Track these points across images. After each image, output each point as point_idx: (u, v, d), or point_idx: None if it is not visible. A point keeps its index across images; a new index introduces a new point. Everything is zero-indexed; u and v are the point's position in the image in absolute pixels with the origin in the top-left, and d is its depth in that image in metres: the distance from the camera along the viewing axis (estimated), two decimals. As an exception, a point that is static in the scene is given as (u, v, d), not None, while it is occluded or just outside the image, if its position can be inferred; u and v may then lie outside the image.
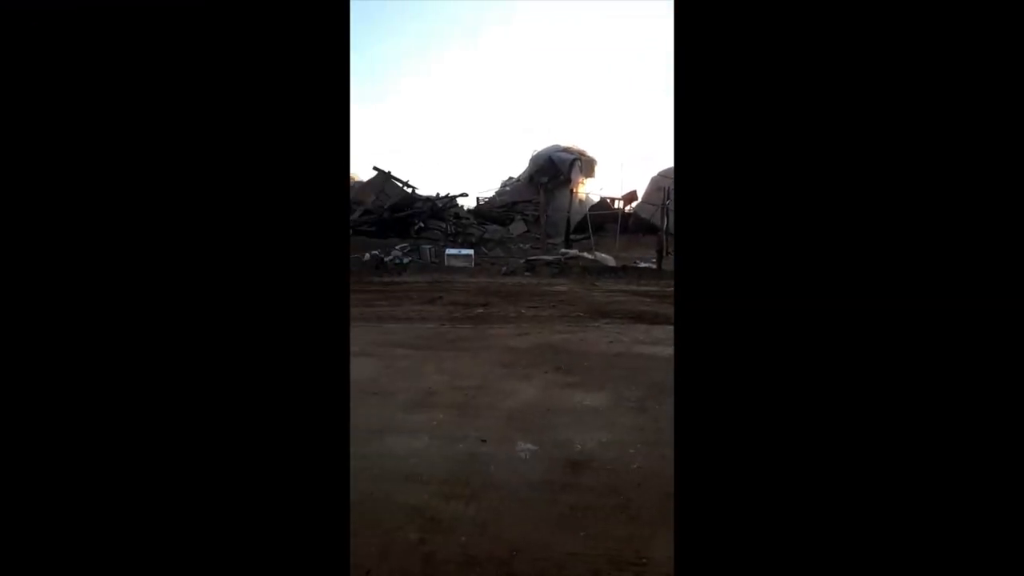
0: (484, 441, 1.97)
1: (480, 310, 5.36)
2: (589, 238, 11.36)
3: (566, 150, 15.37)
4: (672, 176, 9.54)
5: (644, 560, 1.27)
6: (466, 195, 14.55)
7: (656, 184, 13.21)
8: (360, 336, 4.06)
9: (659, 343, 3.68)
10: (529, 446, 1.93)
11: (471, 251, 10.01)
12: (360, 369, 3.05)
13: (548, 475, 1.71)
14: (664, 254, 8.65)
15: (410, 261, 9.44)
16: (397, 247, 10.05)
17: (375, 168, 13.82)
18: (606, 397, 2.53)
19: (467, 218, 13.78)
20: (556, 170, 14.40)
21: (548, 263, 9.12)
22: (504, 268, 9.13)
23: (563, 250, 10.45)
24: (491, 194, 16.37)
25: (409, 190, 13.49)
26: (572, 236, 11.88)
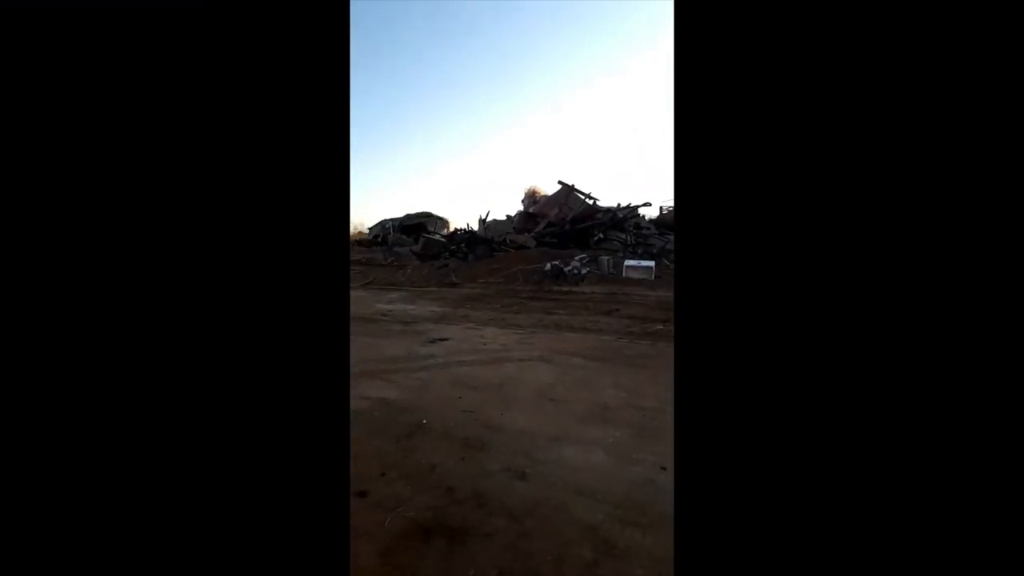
0: (664, 468, 1.83)
1: (660, 327, 5.07)
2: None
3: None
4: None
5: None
6: (648, 204, 14.03)
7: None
8: (540, 342, 4.26)
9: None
10: (717, 485, 1.72)
11: (651, 263, 9.57)
12: (538, 374, 3.19)
13: (741, 524, 1.48)
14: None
15: (588, 272, 9.54)
16: (576, 258, 10.27)
17: (559, 182, 14.44)
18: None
19: (648, 228, 13.25)
20: (756, 173, 12.69)
21: (742, 278, 8.08)
22: (688, 282, 8.44)
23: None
24: (676, 203, 15.40)
25: (591, 202, 13.68)
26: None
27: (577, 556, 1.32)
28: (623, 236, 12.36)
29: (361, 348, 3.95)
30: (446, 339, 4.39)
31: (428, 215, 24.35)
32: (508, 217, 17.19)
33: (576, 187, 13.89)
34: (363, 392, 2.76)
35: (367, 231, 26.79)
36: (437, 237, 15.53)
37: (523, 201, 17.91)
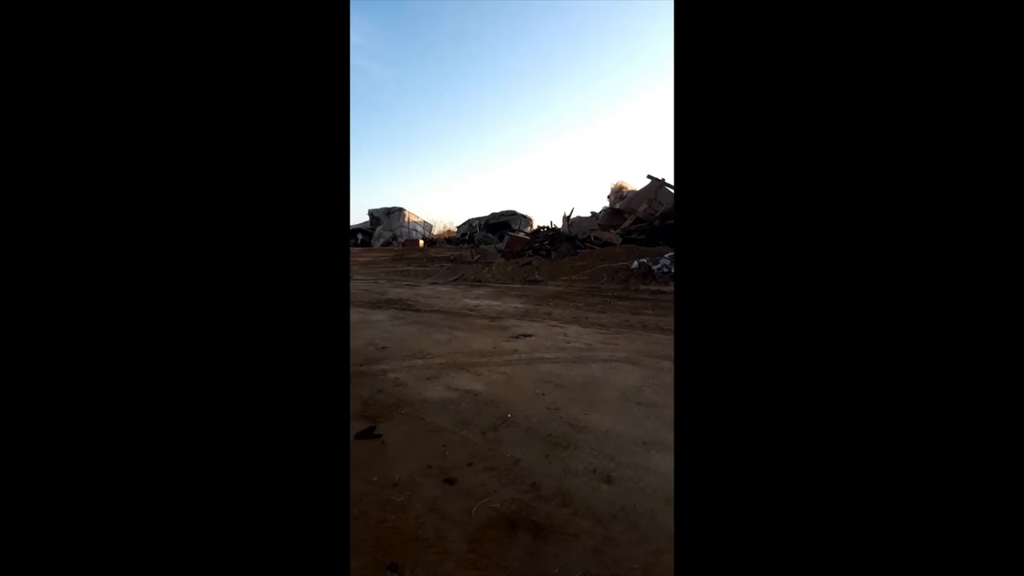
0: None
1: (761, 330, 4.64)
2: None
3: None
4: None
5: None
6: (748, 198, 12.92)
7: None
8: (626, 343, 4.13)
9: None
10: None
11: (751, 261, 8.79)
12: (625, 376, 3.09)
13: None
14: None
15: (679, 270, 9.03)
16: (666, 256, 9.78)
17: (649, 176, 13.87)
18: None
19: (748, 224, 12.18)
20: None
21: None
22: (795, 283, 7.63)
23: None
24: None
25: (682, 196, 12.94)
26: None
27: (667, 568, 1.26)
28: (718, 232, 11.50)
29: (451, 340, 4.13)
30: (529, 335, 4.43)
31: (512, 213, 24.76)
32: (593, 214, 16.90)
33: (667, 181, 13.24)
34: (452, 383, 2.88)
35: (455, 229, 28.00)
36: (521, 235, 15.72)
37: (609, 197, 17.47)
